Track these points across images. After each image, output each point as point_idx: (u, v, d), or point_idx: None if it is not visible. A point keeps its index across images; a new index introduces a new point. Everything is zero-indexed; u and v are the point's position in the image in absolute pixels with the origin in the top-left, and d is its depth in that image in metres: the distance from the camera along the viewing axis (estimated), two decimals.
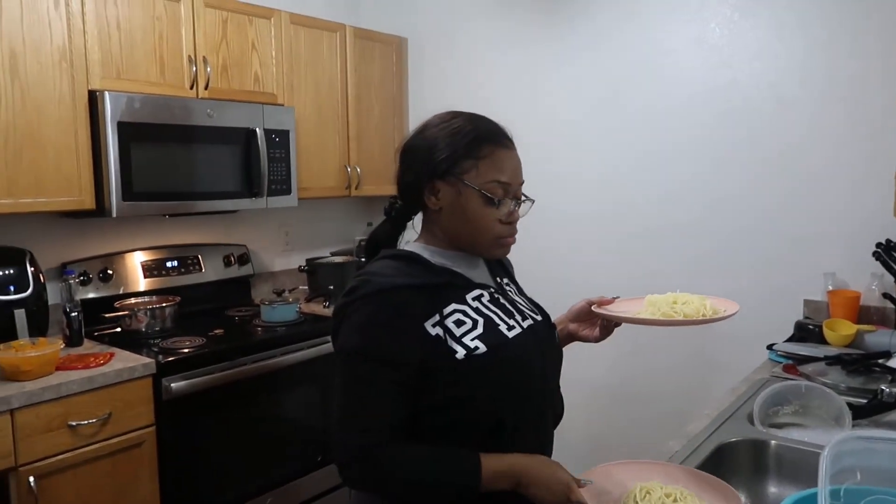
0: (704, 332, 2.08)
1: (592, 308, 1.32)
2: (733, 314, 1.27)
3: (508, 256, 1.37)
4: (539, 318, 1.24)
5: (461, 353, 1.06)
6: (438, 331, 1.07)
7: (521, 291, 1.31)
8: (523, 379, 1.12)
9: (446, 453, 1.05)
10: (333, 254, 3.35)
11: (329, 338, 2.73)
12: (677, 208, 2.67)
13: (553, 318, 1.31)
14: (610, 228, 2.86)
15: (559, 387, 1.26)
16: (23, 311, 2.15)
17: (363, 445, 1.03)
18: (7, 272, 2.16)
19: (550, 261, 2.97)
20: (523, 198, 1.17)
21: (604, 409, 2.95)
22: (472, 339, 1.08)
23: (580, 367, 2.98)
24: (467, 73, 3.23)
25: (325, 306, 2.95)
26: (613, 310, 1.32)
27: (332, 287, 3.01)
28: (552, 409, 1.23)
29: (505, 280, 1.28)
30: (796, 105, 2.37)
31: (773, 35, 2.40)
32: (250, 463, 2.44)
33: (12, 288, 2.16)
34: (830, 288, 2.29)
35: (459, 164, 1.11)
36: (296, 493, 2.61)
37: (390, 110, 3.34)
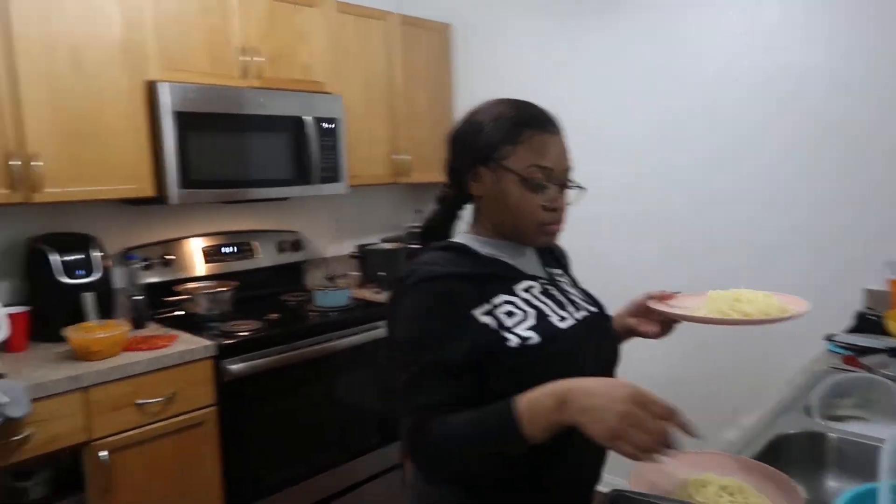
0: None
1: (649, 303, 1.27)
2: (798, 315, 1.18)
3: (565, 248, 1.36)
4: (594, 309, 1.22)
5: (514, 341, 1.05)
6: (488, 319, 1.07)
7: (575, 283, 1.29)
8: (576, 372, 1.05)
9: (485, 408, 0.98)
10: (383, 240, 3.40)
11: (379, 323, 2.79)
12: (737, 202, 2.60)
13: (611, 312, 1.29)
14: (669, 226, 2.81)
15: None
16: (91, 294, 2.25)
17: (416, 424, 1.01)
18: (76, 257, 2.27)
19: (610, 259, 2.91)
20: (570, 184, 1.14)
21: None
22: (525, 329, 1.07)
23: (633, 355, 2.97)
24: (513, 59, 3.20)
25: (375, 292, 3.00)
26: (674, 305, 1.28)
27: (382, 273, 3.06)
28: None
29: (558, 271, 1.26)
30: (857, 91, 2.28)
31: (838, 18, 2.31)
32: (306, 443, 2.52)
33: (80, 272, 2.26)
34: (892, 277, 2.21)
35: (499, 149, 1.11)
36: (352, 473, 2.68)
37: (437, 97, 3.35)
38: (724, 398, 2.64)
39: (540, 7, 3.08)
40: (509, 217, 1.13)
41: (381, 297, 2.93)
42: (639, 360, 2.66)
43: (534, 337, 1.06)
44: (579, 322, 1.15)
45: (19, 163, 2.03)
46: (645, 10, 2.76)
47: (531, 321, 1.09)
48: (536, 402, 0.92)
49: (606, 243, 2.97)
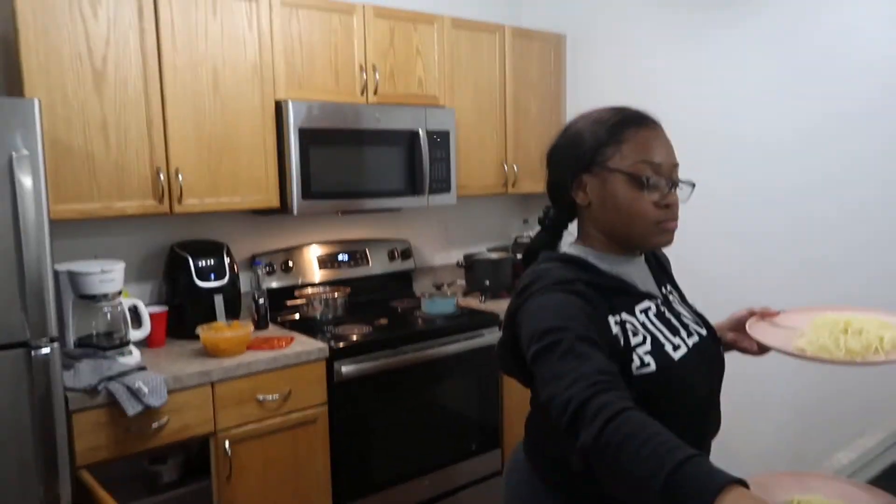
0: None
1: (747, 325, 1.18)
2: None
3: (665, 250, 1.28)
4: (704, 332, 1.16)
5: (636, 364, 1.02)
6: (618, 330, 1.03)
7: (683, 299, 1.24)
8: (688, 402, 1.04)
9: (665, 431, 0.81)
10: (490, 250, 3.44)
11: (484, 331, 2.82)
12: (870, 217, 2.43)
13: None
14: (797, 241, 2.65)
15: (719, 402, 1.20)
16: (221, 296, 2.46)
17: (587, 398, 0.85)
18: (209, 262, 2.48)
19: (727, 274, 2.80)
20: (681, 181, 1.09)
21: (767, 416, 2.77)
22: (645, 354, 1.03)
23: (749, 370, 2.83)
24: (627, 69, 3.15)
25: (481, 301, 3.04)
26: (777, 322, 1.19)
27: (488, 282, 3.10)
28: (713, 425, 1.17)
29: (668, 287, 1.22)
30: None
31: None
32: (410, 444, 2.60)
33: (213, 276, 2.47)
34: None
35: (602, 152, 1.08)
36: (452, 478, 2.74)
37: (548, 107, 3.36)
38: (844, 417, 2.45)
39: (659, 16, 3.01)
40: (621, 220, 1.08)
41: (486, 305, 2.97)
42: (754, 376, 2.56)
43: (651, 365, 1.02)
44: (691, 349, 1.09)
45: (165, 177, 2.26)
46: (773, 13, 2.62)
47: (647, 346, 1.04)
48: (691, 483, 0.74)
49: (728, 254, 2.84)
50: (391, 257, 3.14)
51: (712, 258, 2.88)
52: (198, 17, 2.30)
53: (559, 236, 1.23)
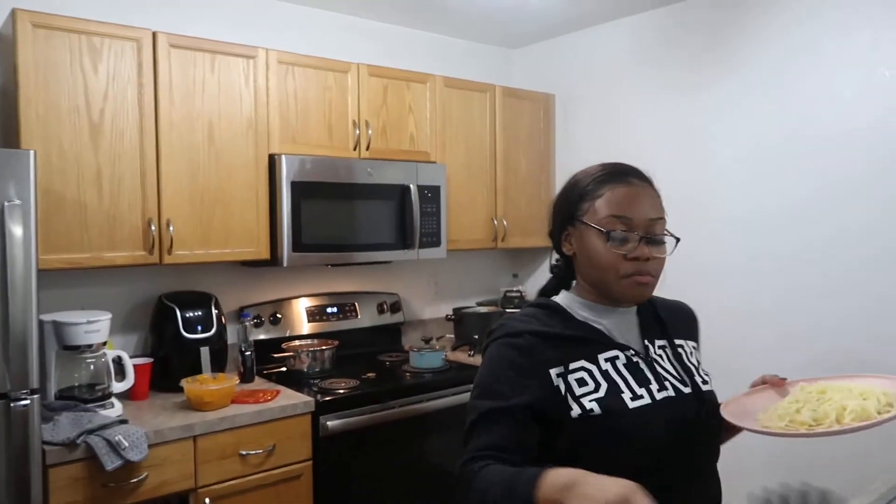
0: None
1: (721, 410, 1.15)
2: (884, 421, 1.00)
3: (699, 317, 1.34)
4: (687, 390, 1.16)
5: (576, 411, 1.08)
6: (560, 382, 1.10)
7: (679, 357, 1.21)
8: (638, 453, 1.06)
9: (527, 467, 0.99)
10: (479, 304, 3.45)
11: (472, 386, 2.77)
12: (863, 283, 2.46)
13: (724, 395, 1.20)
14: (781, 310, 2.68)
15: (712, 470, 1.19)
16: (207, 348, 2.44)
17: (464, 463, 1.07)
18: (196, 314, 2.47)
19: (726, 317, 2.81)
20: (657, 236, 1.13)
21: (756, 478, 2.73)
22: (590, 401, 1.09)
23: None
24: (614, 127, 3.23)
25: (469, 355, 3.03)
26: (777, 393, 1.18)
27: (476, 336, 3.09)
28: (696, 491, 1.14)
29: (659, 343, 1.21)
30: None
31: None
32: (396, 501, 2.54)
33: (200, 328, 2.46)
34: None
35: (580, 206, 1.17)
36: None
37: (537, 164, 3.42)
38: (833, 482, 2.42)
39: (646, 76, 3.12)
40: (595, 272, 1.15)
41: (475, 360, 2.95)
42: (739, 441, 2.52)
43: (596, 409, 1.08)
44: (655, 402, 1.11)
45: (157, 228, 2.27)
46: (756, 71, 2.71)
47: (600, 393, 1.10)
48: (556, 476, 0.93)
49: (721, 309, 2.86)
50: (380, 310, 3.13)
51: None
52: (196, 74, 2.36)
53: (568, 284, 1.28)
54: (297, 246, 2.54)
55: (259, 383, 2.55)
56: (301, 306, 2.93)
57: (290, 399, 2.34)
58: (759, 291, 2.72)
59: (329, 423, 2.34)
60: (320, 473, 2.34)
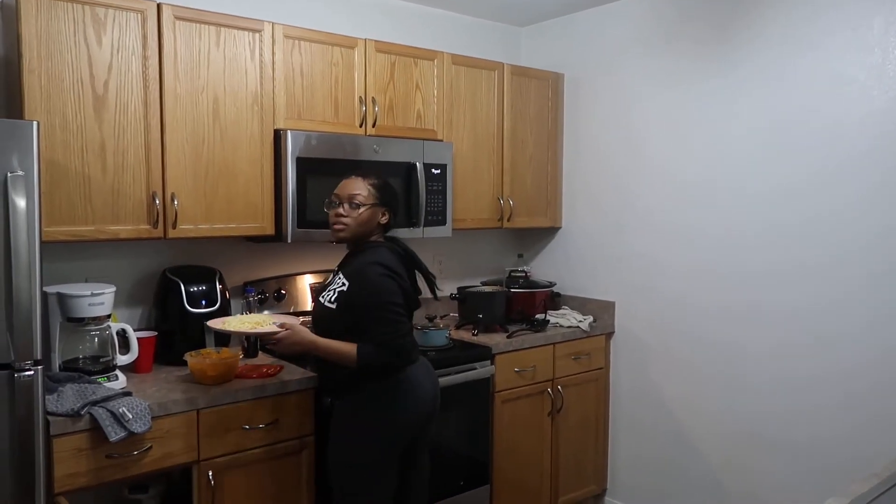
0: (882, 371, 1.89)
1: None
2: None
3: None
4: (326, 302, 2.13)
5: None
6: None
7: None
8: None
9: None
10: (484, 283, 3.44)
11: (476, 364, 2.81)
12: (858, 260, 2.45)
13: None
14: (776, 279, 2.69)
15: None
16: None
17: None
18: (200, 288, 2.47)
19: (706, 309, 2.82)
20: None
21: (750, 458, 2.74)
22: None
23: (738, 406, 2.81)
24: (623, 106, 3.19)
25: (473, 334, 3.03)
26: None
27: (481, 315, 3.09)
28: None
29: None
30: None
31: None
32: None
33: (204, 302, 2.46)
34: None
35: None
36: None
37: (544, 144, 3.39)
38: (839, 463, 2.42)
39: (655, 57, 3.07)
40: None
41: (479, 338, 2.95)
42: (751, 415, 2.53)
43: None
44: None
45: (161, 201, 2.27)
46: (764, 55, 2.67)
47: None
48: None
49: (745, 284, 2.86)
50: None
51: (697, 295, 2.90)
52: (201, 47, 2.34)
53: None
54: (302, 222, 2.53)
55: (262, 358, 2.56)
56: (305, 283, 2.92)
57: (293, 374, 2.35)
58: (777, 261, 2.69)
59: (330, 398, 2.34)
60: (321, 448, 2.35)
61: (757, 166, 2.72)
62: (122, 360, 2.22)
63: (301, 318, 2.32)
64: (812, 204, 2.56)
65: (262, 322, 2.18)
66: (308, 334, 2.05)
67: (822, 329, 2.53)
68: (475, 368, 2.76)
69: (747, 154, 2.75)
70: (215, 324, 2.20)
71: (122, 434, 1.90)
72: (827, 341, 2.52)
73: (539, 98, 3.37)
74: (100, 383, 2.07)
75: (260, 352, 2.61)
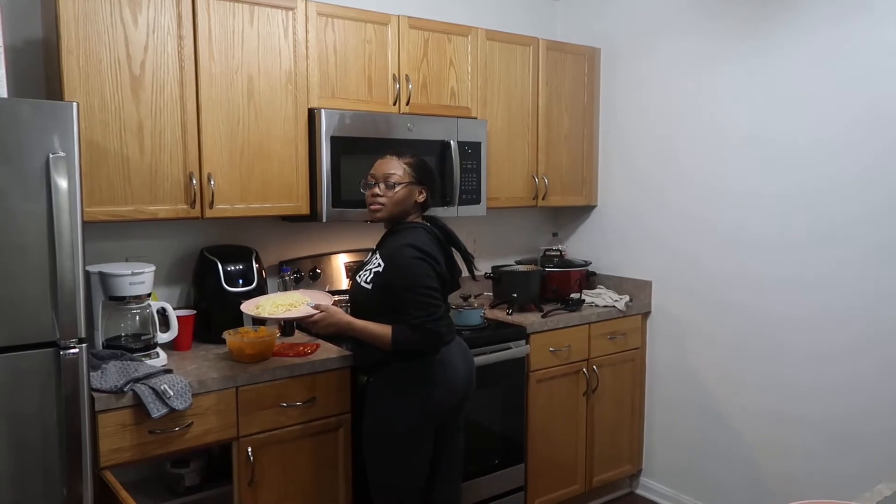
0: None
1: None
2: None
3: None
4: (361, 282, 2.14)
5: None
6: None
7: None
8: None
9: None
10: (518, 262, 3.41)
11: (511, 343, 2.80)
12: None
13: None
14: (813, 254, 2.60)
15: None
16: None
17: None
18: (237, 267, 2.49)
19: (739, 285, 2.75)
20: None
21: (788, 437, 2.68)
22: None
23: (783, 395, 2.75)
24: (659, 84, 3.10)
25: (507, 313, 3.01)
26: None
27: (515, 294, 3.06)
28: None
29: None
30: None
31: None
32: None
33: (241, 281, 2.48)
34: None
35: None
36: (475, 491, 2.70)
37: (580, 120, 3.32)
38: (877, 447, 2.36)
39: (694, 32, 2.97)
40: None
41: (513, 318, 2.93)
42: (787, 394, 2.47)
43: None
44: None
45: (198, 181, 2.28)
46: (808, 30, 2.57)
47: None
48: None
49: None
50: None
51: (736, 271, 2.82)
52: (235, 26, 2.33)
53: None
54: (337, 201, 2.53)
55: (299, 337, 2.58)
56: (340, 262, 2.93)
57: (330, 353, 2.36)
58: (817, 227, 2.62)
59: (366, 376, 2.35)
60: (358, 425, 2.37)
61: (805, 152, 2.62)
62: (162, 338, 2.25)
63: (335, 297, 2.32)
64: (852, 163, 2.47)
65: (295, 303, 2.14)
66: (343, 315, 2.05)
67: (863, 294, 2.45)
68: (510, 348, 2.75)
69: (799, 135, 2.65)
70: (248, 308, 2.14)
71: (164, 410, 1.93)
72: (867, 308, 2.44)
73: (575, 73, 3.29)
74: (142, 361, 2.11)
75: (297, 330, 2.63)
